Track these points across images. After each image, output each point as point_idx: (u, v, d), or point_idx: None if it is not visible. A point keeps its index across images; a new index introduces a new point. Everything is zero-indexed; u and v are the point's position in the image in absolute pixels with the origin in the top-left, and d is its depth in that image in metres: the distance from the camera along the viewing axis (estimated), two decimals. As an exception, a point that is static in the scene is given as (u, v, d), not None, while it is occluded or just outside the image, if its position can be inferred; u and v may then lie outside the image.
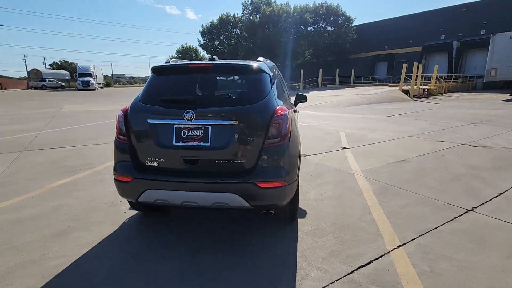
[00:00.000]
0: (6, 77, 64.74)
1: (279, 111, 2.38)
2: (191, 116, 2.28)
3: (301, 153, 5.68)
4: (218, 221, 2.99)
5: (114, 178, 2.51)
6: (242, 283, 2.06)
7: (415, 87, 20.18)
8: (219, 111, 2.32)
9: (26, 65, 64.88)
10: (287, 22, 37.35)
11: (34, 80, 46.07)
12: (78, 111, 13.91)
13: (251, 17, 40.88)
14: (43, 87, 43.30)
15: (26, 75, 55.10)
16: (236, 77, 2.57)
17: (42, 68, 56.07)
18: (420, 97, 19.83)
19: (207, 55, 54.07)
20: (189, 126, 2.32)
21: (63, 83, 47.03)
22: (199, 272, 2.18)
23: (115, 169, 2.52)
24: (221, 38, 47.29)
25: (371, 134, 7.77)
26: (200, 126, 2.32)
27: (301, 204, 3.34)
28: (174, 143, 2.35)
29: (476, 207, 3.20)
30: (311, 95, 23.75)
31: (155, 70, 2.68)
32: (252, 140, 2.30)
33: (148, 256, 2.39)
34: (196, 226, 2.91)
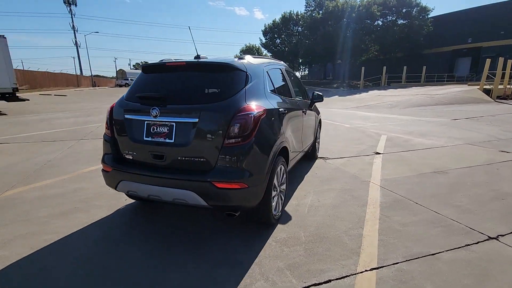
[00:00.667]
0: (102, 76, 76.66)
1: (243, 110, 2.28)
2: (156, 113, 2.36)
3: (323, 156, 5.42)
4: (202, 219, 3.02)
5: (102, 168, 2.76)
6: (180, 282, 2.05)
7: (500, 86, 17.02)
8: (182, 109, 2.34)
9: (116, 66, 75.53)
10: (351, 17, 35.24)
11: (120, 79, 53.22)
12: (142, 106, 15.51)
13: (313, 14, 39.78)
14: (126, 85, 49.64)
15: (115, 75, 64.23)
16: (211, 75, 2.55)
17: (127, 69, 64.51)
18: (506, 99, 16.66)
19: (269, 54, 54.69)
20: (157, 122, 2.41)
21: (141, 82, 53.05)
22: (155, 264, 2.25)
23: (102, 160, 2.77)
24: (282, 36, 47.28)
25: (418, 139, 6.86)
26: (166, 123, 2.38)
27: (290, 210, 3.16)
28: (145, 138, 2.46)
29: (503, 235, 2.57)
30: (369, 94, 22.08)
31: (142, 68, 2.84)
32: (213, 139, 2.26)
33: (123, 242, 2.56)
34: (176, 221, 2.99)
